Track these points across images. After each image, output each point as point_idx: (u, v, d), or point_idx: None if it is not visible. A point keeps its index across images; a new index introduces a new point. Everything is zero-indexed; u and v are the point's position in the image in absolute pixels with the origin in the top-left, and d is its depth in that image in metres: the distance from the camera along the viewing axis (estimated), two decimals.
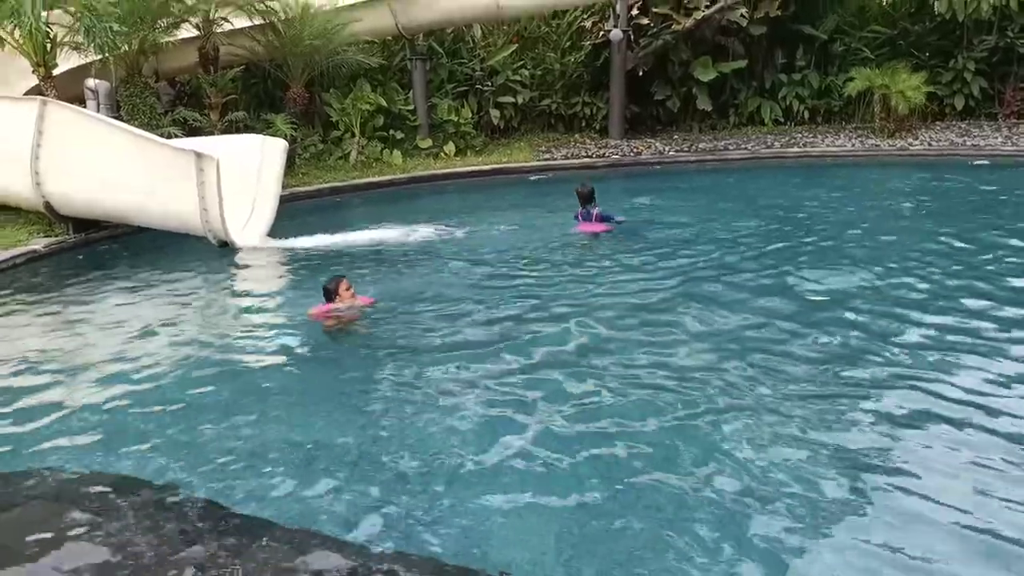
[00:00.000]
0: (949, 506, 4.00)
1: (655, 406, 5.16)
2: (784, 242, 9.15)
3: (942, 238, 8.93)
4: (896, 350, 5.88)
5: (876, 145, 15.20)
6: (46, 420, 5.44)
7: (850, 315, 6.60)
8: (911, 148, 14.85)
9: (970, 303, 6.75)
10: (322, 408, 5.43)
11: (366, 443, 4.89)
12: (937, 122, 16.55)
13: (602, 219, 9.68)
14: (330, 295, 7.03)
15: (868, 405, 5.06)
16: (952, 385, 5.24)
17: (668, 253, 8.82)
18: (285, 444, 4.92)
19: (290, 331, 6.98)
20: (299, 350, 6.59)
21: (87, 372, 6.22)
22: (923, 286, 7.27)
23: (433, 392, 5.53)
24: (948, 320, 6.41)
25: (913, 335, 6.17)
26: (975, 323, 6.30)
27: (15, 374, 6.27)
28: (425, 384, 5.67)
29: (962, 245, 8.63)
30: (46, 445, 5.12)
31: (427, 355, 6.20)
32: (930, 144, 14.97)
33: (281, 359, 6.39)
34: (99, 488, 4.61)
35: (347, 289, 7.04)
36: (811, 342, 6.11)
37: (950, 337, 6.06)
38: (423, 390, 5.57)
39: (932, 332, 6.19)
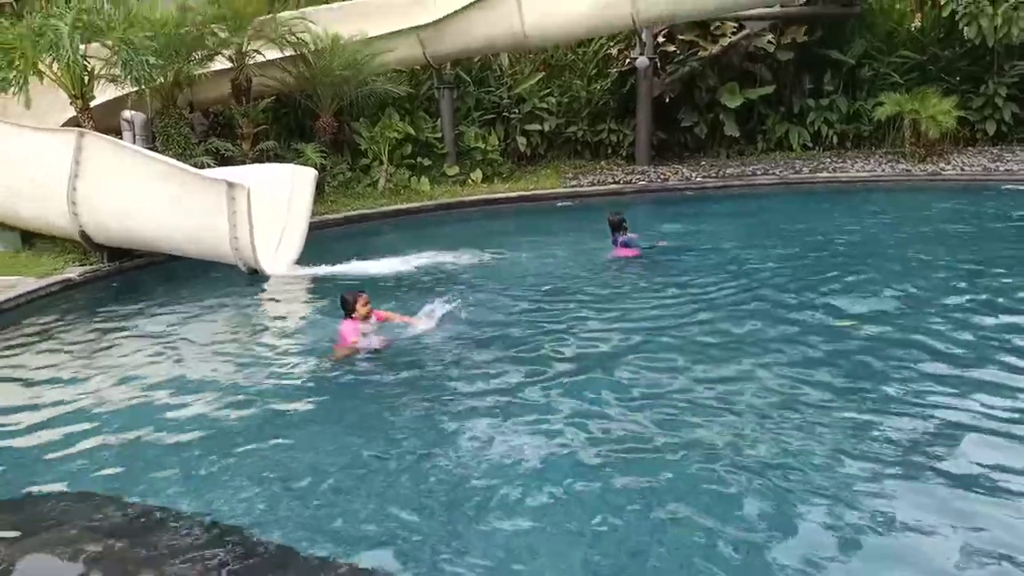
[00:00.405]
0: None
1: (692, 437, 5.12)
2: (818, 269, 9.11)
3: (991, 265, 8.83)
4: (951, 384, 5.78)
5: (907, 170, 15.08)
6: (74, 446, 5.52)
7: (900, 349, 6.47)
8: (943, 173, 14.72)
9: None
10: (350, 437, 5.44)
11: (394, 472, 4.89)
12: (969, 147, 16.40)
13: (625, 245, 9.81)
14: (348, 307, 7.00)
15: (923, 452, 4.89)
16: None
17: (702, 280, 8.83)
18: (312, 472, 4.93)
19: (317, 358, 7.03)
20: (326, 377, 6.62)
21: (115, 400, 6.30)
22: (973, 318, 7.15)
23: (463, 422, 5.52)
24: (1003, 356, 6.25)
25: (970, 370, 6.03)
26: None
27: (45, 401, 6.36)
28: (455, 414, 5.67)
29: (1007, 272, 8.51)
30: (73, 471, 5.18)
31: (457, 384, 6.20)
32: (962, 169, 14.83)
33: (309, 387, 6.43)
34: (125, 513, 4.65)
35: (364, 304, 7.00)
36: (856, 376, 6.02)
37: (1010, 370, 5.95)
38: (452, 419, 5.57)
39: (989, 367, 6.06)
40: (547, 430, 5.32)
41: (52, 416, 6.04)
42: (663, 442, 5.07)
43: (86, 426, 5.83)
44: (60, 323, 8.44)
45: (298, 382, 6.52)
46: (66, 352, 7.59)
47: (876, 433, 5.04)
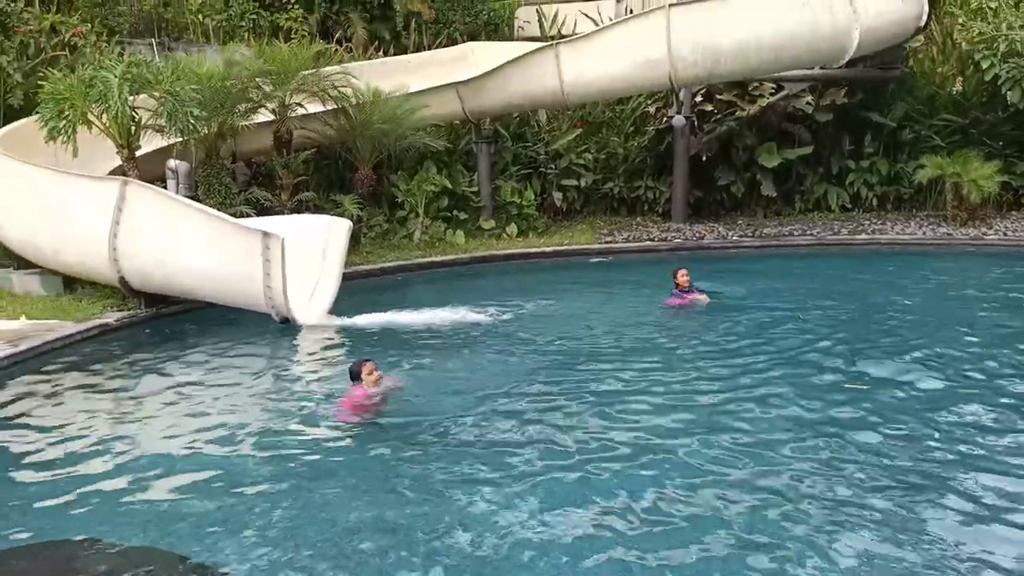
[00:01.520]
0: None
1: (713, 504, 4.99)
2: (859, 333, 8.99)
3: None
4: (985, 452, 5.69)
5: (948, 234, 14.84)
6: (95, 492, 5.55)
7: (937, 424, 6.35)
8: (985, 238, 14.45)
9: None
10: (367, 497, 5.36)
11: (408, 537, 4.81)
12: (1012, 212, 16.12)
13: (671, 295, 10.33)
14: (355, 377, 7.02)
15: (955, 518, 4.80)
16: None
17: (738, 340, 8.79)
18: (327, 532, 4.88)
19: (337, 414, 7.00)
20: (351, 433, 6.58)
21: (140, 447, 6.35)
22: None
23: (484, 483, 5.44)
24: None
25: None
26: None
27: (72, 446, 6.41)
28: (477, 472, 5.59)
29: None
30: (93, 516, 5.21)
31: (476, 444, 6.14)
32: (1006, 234, 14.55)
33: (333, 442, 6.39)
34: (140, 564, 4.64)
35: (369, 373, 6.99)
36: (894, 443, 5.92)
37: None
38: (474, 477, 5.50)
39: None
40: (568, 489, 5.27)
41: (71, 462, 6.09)
42: (684, 510, 4.98)
43: (102, 472, 5.89)
44: (94, 368, 8.53)
45: (322, 437, 6.48)
46: (97, 397, 7.68)
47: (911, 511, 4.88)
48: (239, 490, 5.52)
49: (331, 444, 6.35)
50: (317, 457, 6.07)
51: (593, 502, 5.09)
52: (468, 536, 4.73)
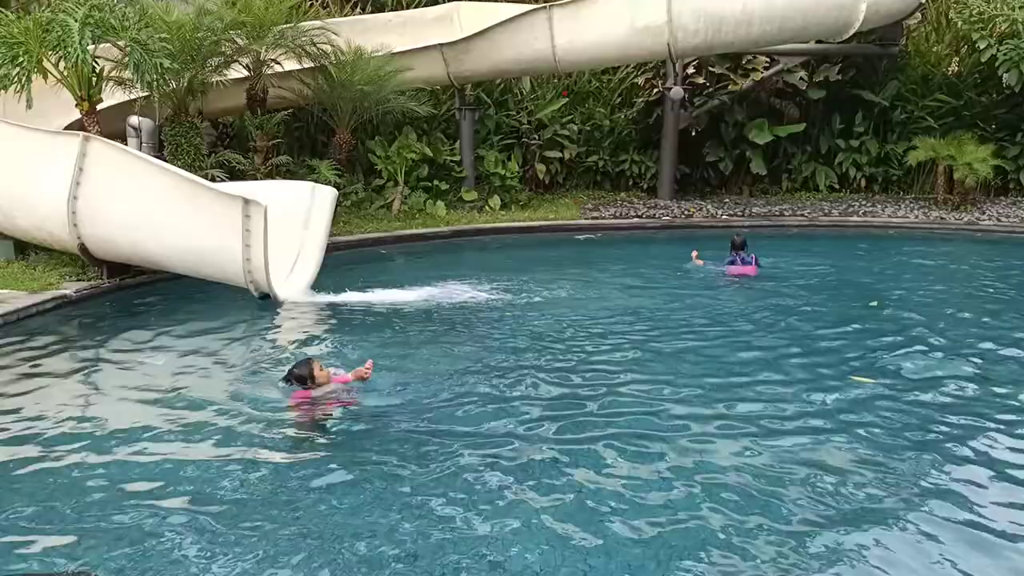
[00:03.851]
0: None
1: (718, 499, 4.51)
2: (874, 323, 8.47)
3: None
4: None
5: (941, 218, 14.52)
6: (43, 489, 4.79)
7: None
8: (979, 223, 14.16)
9: None
10: (347, 509, 4.63)
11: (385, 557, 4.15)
12: (1001, 197, 15.90)
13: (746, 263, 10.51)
14: (305, 381, 6.05)
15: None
16: None
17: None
18: (298, 551, 4.16)
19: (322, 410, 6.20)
20: (329, 432, 5.78)
21: (96, 440, 5.54)
22: None
23: (470, 491, 4.78)
24: None
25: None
26: None
27: (16, 438, 5.56)
28: (461, 479, 4.90)
29: None
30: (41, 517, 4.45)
31: (470, 441, 5.44)
32: (999, 220, 14.28)
33: (309, 443, 5.58)
34: None
35: (321, 370, 6.08)
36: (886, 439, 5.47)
37: None
38: (460, 487, 4.81)
39: None
40: (567, 497, 4.69)
41: (16, 452, 5.30)
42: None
43: (52, 468, 5.11)
44: (50, 347, 7.60)
45: (296, 438, 5.66)
46: (52, 380, 6.75)
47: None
48: (194, 497, 4.73)
49: (299, 446, 5.50)
50: (285, 462, 5.23)
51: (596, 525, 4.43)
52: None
